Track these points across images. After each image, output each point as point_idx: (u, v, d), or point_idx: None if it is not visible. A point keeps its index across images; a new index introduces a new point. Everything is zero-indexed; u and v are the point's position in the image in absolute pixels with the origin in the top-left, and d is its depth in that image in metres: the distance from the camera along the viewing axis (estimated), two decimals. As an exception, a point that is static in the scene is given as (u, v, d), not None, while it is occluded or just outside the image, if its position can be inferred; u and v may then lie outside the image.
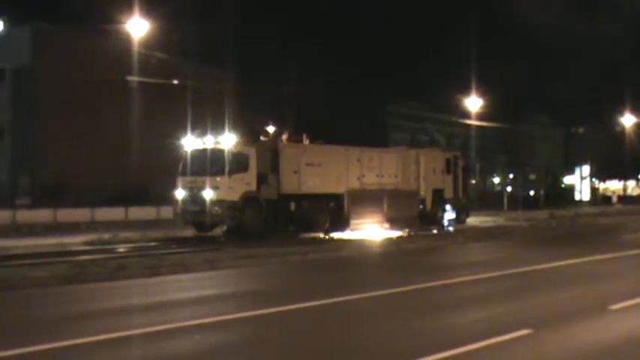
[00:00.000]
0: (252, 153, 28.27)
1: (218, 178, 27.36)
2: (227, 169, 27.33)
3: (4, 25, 50.32)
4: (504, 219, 43.76)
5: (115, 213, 37.99)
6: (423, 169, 35.51)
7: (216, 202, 27.17)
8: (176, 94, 44.58)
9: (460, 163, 38.67)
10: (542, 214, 46.42)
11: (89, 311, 13.00)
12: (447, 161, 37.19)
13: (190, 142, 28.86)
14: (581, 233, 33.52)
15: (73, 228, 32.50)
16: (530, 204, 64.51)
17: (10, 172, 51.33)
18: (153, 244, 25.98)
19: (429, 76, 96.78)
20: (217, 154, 27.67)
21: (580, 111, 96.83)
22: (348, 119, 72.26)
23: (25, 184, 49.73)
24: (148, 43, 39.69)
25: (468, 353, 9.50)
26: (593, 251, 23.03)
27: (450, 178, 37.01)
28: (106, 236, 27.11)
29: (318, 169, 30.46)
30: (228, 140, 28.17)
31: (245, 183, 27.78)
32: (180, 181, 28.36)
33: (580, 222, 40.97)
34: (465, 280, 16.88)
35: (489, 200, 64.66)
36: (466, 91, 58.00)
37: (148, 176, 44.93)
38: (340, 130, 51.30)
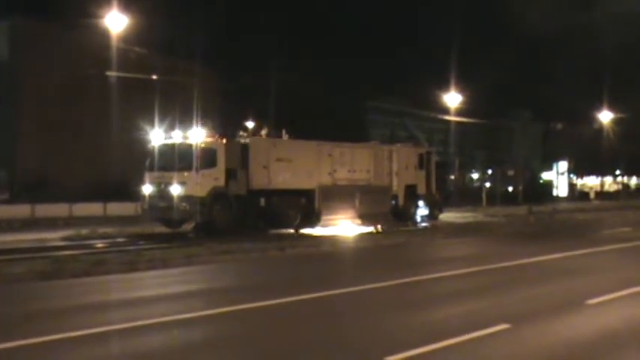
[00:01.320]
0: (220, 148, 27.87)
1: (185, 174, 27.02)
2: (195, 164, 26.97)
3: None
4: (483, 214, 43.95)
5: (94, 208, 37.78)
6: (396, 165, 35.27)
7: (183, 198, 26.83)
8: (156, 89, 44.39)
9: (433, 159, 38.54)
10: (520, 210, 46.62)
11: (66, 307, 12.91)
12: (420, 157, 36.96)
13: (158, 137, 28.56)
14: (559, 229, 33.73)
15: (52, 223, 32.27)
16: (508, 200, 64.78)
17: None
18: (130, 239, 25.82)
19: (410, 72, 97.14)
20: (185, 149, 27.32)
21: (559, 107, 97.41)
22: (328, 114, 72.36)
23: (4, 180, 49.39)
24: (128, 38, 39.49)
25: (446, 348, 9.53)
26: (571, 247, 23.17)
27: (422, 174, 36.79)
28: (84, 232, 26.96)
29: (289, 165, 30.14)
30: (196, 135, 27.80)
31: (213, 178, 27.42)
32: (147, 176, 28.03)
33: (558, 218, 41.21)
34: (443, 276, 16.93)
35: (468, 196, 64.85)
36: (447, 86, 58.15)
37: (128, 172, 44.70)
38: (320, 125, 51.30)
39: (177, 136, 28.04)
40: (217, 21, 76.68)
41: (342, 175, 32.43)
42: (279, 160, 29.75)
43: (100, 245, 23.82)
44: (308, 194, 30.81)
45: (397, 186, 35.32)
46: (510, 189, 76.41)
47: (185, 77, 49.60)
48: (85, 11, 39.61)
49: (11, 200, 42.93)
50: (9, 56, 51.54)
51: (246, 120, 54.32)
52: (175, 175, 27.12)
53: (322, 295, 13.69)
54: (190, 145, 27.28)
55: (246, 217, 28.63)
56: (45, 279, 15.84)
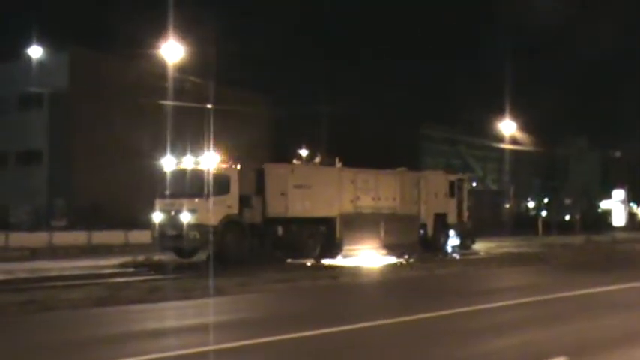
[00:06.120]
0: (233, 174, 26.94)
1: (196, 201, 26.06)
2: (206, 191, 25.92)
3: (43, 51, 51.33)
4: (538, 244, 43.26)
5: (149, 236, 38.17)
6: (424, 193, 34.20)
7: (193, 226, 25.87)
8: (210, 117, 44.92)
9: (466, 187, 37.58)
10: (577, 239, 45.82)
11: (121, 333, 13.00)
12: (451, 184, 35.97)
13: (170, 163, 27.77)
14: (618, 259, 32.98)
15: (108, 250, 32.74)
16: (565, 229, 63.80)
17: (47, 194, 52.13)
18: (185, 267, 25.92)
19: (464, 100, 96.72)
20: (196, 174, 26.53)
21: (618, 134, 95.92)
22: (381, 142, 72.37)
23: (62, 207, 50.29)
24: (184, 67, 40.20)
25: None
26: (632, 278, 22.60)
27: (453, 202, 35.72)
28: (140, 259, 27.17)
29: (308, 191, 29.09)
30: (208, 160, 26.83)
31: (226, 206, 26.56)
32: (158, 203, 27.02)
33: (617, 248, 40.35)
34: (499, 306, 16.65)
35: (523, 225, 64.05)
36: (501, 114, 57.88)
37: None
38: (373, 153, 51.17)
39: (188, 162, 27.20)
40: (272, 48, 77.71)
41: (366, 203, 31.38)
42: (297, 186, 28.72)
43: (154, 272, 23.97)
44: (329, 222, 29.77)
45: (426, 214, 34.21)
46: (567, 218, 75.21)
47: (238, 105, 50.28)
48: (142, 42, 40.48)
49: (69, 227, 43.65)
50: (67, 86, 52.73)
51: (300, 148, 54.56)
52: (185, 202, 26.17)
53: (373, 325, 13.56)
54: (202, 171, 26.44)
55: (262, 246, 27.71)
56: (101, 305, 16.01)
